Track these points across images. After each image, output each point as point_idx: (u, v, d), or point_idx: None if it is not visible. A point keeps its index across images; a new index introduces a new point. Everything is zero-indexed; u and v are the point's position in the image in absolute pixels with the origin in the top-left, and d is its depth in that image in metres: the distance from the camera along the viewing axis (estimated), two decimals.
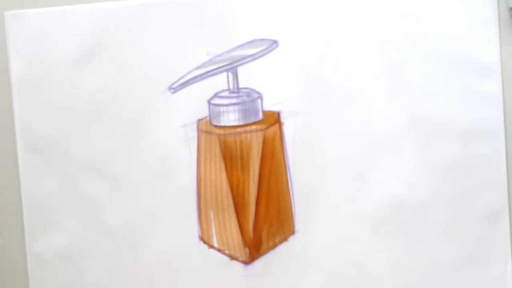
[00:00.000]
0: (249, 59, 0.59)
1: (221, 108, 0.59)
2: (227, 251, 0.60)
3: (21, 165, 0.61)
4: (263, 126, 0.59)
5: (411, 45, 0.58)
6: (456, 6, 0.58)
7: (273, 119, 0.59)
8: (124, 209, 0.60)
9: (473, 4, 0.58)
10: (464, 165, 0.58)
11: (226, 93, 0.59)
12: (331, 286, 0.59)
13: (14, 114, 0.61)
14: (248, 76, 0.59)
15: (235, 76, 0.59)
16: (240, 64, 0.59)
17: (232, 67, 0.59)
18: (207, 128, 0.59)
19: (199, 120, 0.60)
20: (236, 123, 0.59)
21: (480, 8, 0.58)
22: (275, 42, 0.59)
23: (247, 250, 0.60)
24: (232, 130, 0.59)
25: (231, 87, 0.59)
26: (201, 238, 0.60)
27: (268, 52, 0.59)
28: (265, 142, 0.59)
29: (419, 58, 0.58)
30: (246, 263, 0.60)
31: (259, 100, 0.59)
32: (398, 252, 0.58)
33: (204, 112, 0.60)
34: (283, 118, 0.59)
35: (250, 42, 0.59)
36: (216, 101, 0.59)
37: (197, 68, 0.60)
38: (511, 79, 0.58)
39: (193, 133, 0.60)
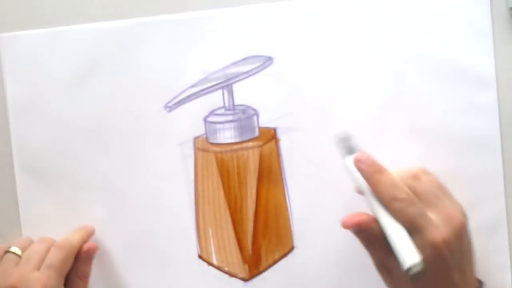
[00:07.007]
0: (244, 76, 0.59)
1: (217, 126, 0.59)
2: (226, 268, 0.60)
3: (18, 186, 0.62)
4: (260, 143, 0.59)
5: (406, 58, 0.58)
6: (450, 18, 0.58)
7: (270, 136, 0.59)
8: (122, 228, 0.61)
9: (467, 15, 0.58)
10: (461, 177, 0.58)
11: (222, 111, 0.59)
12: None
13: (11, 135, 0.62)
14: (244, 93, 0.59)
15: (231, 93, 0.59)
16: (235, 81, 0.59)
17: (227, 84, 0.59)
18: (203, 146, 0.60)
19: (196, 138, 0.60)
20: (233, 140, 0.59)
21: (474, 19, 0.58)
22: (269, 59, 0.59)
23: (246, 266, 0.60)
24: (228, 147, 0.59)
25: (226, 104, 0.59)
26: (200, 256, 0.60)
27: (263, 69, 0.59)
28: (262, 158, 0.59)
29: (414, 71, 0.58)
30: (245, 279, 0.60)
31: (255, 117, 0.59)
32: None
33: (200, 130, 0.60)
34: (280, 134, 0.59)
35: (244, 59, 0.59)
36: (212, 118, 0.59)
37: (193, 86, 0.60)
38: (506, 91, 0.58)
39: (189, 151, 0.60)
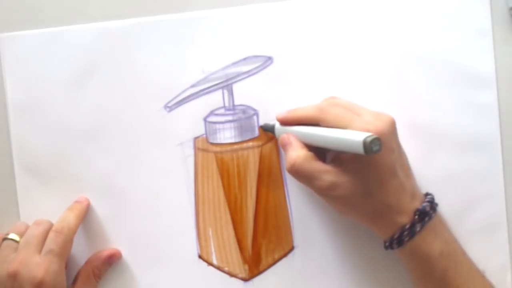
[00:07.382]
0: (244, 76, 0.59)
1: (217, 126, 0.59)
2: (226, 268, 0.60)
3: (18, 186, 0.62)
4: (260, 143, 0.59)
5: (406, 58, 0.58)
6: (450, 18, 0.58)
7: (270, 135, 0.59)
8: (122, 228, 0.61)
9: (467, 15, 0.58)
10: (461, 177, 0.58)
11: (222, 111, 0.59)
12: None
13: (11, 135, 0.62)
14: (244, 93, 0.59)
15: (231, 93, 0.59)
16: (235, 81, 0.59)
17: (227, 84, 0.59)
18: (203, 146, 0.60)
19: (196, 138, 0.60)
20: (233, 140, 0.59)
21: (474, 19, 0.58)
22: (269, 59, 0.59)
23: (246, 266, 0.60)
24: (228, 147, 0.59)
25: (226, 104, 0.59)
26: (200, 256, 0.60)
27: (263, 69, 0.59)
28: (261, 158, 0.59)
29: (414, 71, 0.58)
30: (245, 279, 0.60)
31: (255, 117, 0.59)
32: (399, 264, 0.58)
33: (200, 130, 0.60)
34: None
35: (244, 59, 0.59)
36: (212, 118, 0.59)
37: (192, 86, 0.60)
38: (506, 90, 0.58)
39: (190, 151, 0.60)
